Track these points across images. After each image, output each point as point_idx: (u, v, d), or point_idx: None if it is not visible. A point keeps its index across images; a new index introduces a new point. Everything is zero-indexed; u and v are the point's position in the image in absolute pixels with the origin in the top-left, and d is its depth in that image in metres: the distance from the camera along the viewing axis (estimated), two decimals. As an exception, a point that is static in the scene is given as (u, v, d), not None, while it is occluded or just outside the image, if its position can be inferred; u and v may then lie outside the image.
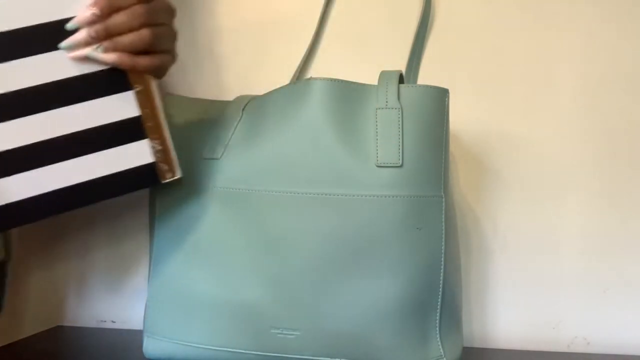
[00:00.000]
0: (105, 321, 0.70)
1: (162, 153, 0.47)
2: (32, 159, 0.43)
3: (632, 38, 0.62)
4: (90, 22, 0.43)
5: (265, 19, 0.68)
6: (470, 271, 0.63)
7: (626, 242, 0.61)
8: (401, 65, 0.64)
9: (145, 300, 0.52)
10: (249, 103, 0.52)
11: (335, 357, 0.46)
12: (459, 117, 0.62)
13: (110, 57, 0.43)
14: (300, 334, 0.46)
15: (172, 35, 0.49)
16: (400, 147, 0.45)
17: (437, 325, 0.46)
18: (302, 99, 0.47)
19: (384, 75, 0.48)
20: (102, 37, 0.43)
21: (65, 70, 0.43)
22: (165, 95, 0.55)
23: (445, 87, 0.48)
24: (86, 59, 0.43)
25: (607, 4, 0.62)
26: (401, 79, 0.48)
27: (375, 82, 0.48)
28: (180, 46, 0.68)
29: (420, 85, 0.47)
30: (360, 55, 0.66)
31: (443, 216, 0.46)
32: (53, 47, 0.43)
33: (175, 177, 0.47)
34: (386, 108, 0.46)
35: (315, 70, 0.67)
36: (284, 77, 0.65)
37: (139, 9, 0.43)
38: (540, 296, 0.62)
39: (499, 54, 0.64)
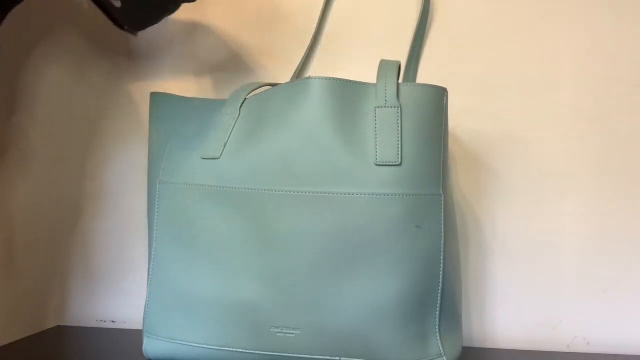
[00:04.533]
0: (105, 321, 0.70)
1: None
2: None
3: (633, 38, 0.62)
4: None
5: (265, 19, 0.68)
6: (470, 271, 0.63)
7: (626, 242, 0.61)
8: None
9: (145, 300, 0.52)
10: (245, 101, 0.52)
11: (335, 356, 0.46)
12: (458, 116, 0.62)
13: None
14: (300, 332, 0.46)
15: None
16: (400, 146, 0.45)
17: (437, 323, 0.46)
18: (300, 98, 0.47)
19: (383, 66, 0.48)
20: None
21: None
22: (163, 95, 0.55)
23: (445, 86, 0.48)
24: None
25: (607, 3, 0.62)
26: (400, 72, 0.48)
27: (374, 82, 0.48)
28: (180, 47, 0.69)
29: (419, 84, 0.47)
30: (359, 55, 0.66)
31: (442, 214, 0.46)
32: None
33: None
34: (385, 107, 0.46)
35: (315, 71, 0.67)
36: (284, 77, 0.66)
37: None
38: (540, 296, 0.62)
39: (498, 53, 0.64)
